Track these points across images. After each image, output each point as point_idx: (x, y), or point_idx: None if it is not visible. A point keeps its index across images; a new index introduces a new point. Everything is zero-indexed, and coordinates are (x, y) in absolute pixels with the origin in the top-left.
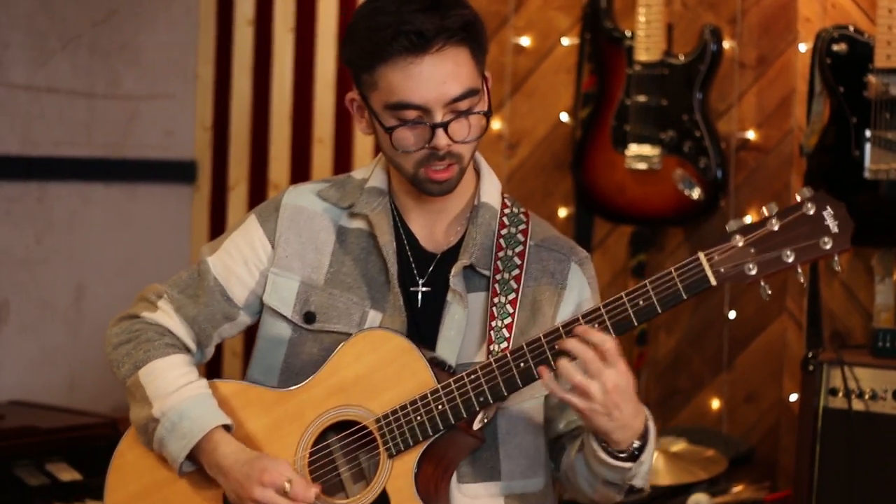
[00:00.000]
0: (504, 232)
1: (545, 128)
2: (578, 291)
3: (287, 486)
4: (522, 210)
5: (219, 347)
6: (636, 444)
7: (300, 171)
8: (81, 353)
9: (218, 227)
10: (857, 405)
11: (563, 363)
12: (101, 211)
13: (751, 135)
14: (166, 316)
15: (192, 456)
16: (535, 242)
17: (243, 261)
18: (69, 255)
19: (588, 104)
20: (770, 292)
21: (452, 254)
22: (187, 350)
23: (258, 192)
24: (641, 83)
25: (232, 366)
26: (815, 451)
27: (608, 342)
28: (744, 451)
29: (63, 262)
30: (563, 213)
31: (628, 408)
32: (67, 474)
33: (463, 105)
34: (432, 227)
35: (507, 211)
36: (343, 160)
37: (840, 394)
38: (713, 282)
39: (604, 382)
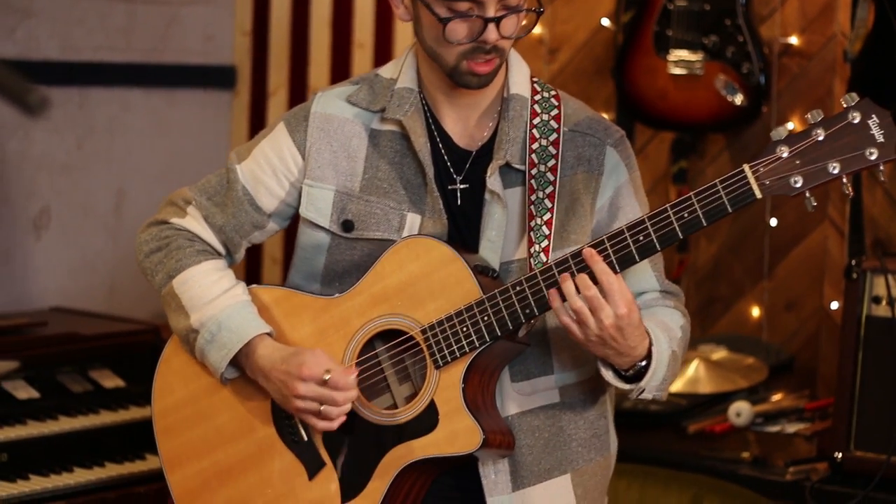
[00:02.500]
0: (536, 121)
1: (586, 33)
2: (616, 176)
3: (326, 375)
4: (553, 93)
5: (258, 254)
6: (642, 363)
7: (340, 76)
8: (121, 259)
9: (257, 132)
10: None
11: (568, 288)
12: (140, 116)
13: (794, 40)
14: (195, 222)
15: (236, 363)
16: (569, 128)
17: (272, 170)
18: (109, 160)
19: (630, 9)
20: (815, 204)
21: (487, 150)
22: (218, 255)
23: (298, 98)
24: None
25: (271, 272)
26: (858, 360)
27: (608, 278)
28: (784, 359)
29: (103, 168)
30: None
31: (627, 339)
32: (110, 381)
33: (513, 1)
34: (465, 123)
35: (537, 97)
36: (383, 64)
37: (883, 302)
38: (758, 195)
39: (601, 319)
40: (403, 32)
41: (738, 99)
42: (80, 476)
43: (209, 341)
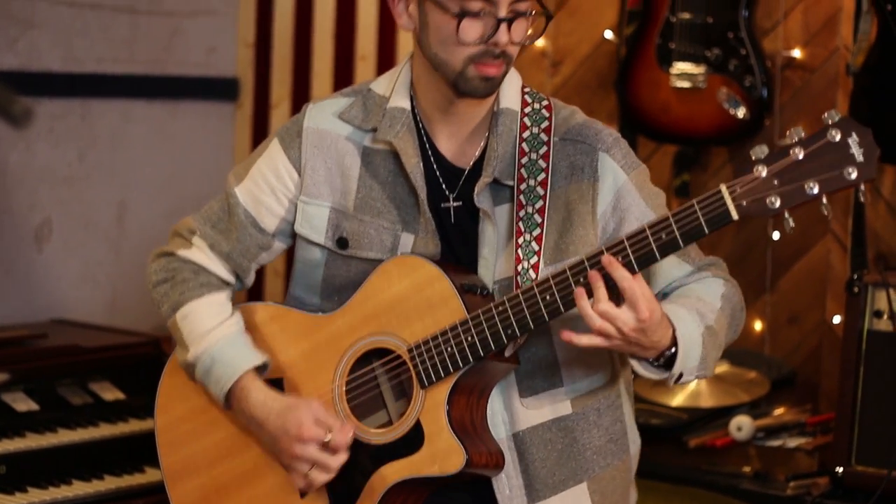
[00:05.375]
0: (526, 134)
1: (589, 46)
2: (613, 179)
3: (327, 437)
4: (545, 104)
5: (260, 268)
6: (670, 350)
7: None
8: (123, 272)
9: (259, 144)
10: None
11: (584, 307)
12: (143, 128)
13: (797, 53)
14: (201, 253)
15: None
16: (560, 137)
17: (270, 189)
18: (111, 172)
19: (633, 21)
20: (793, 225)
21: (479, 167)
22: (225, 284)
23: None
24: (687, 0)
25: (274, 285)
26: (859, 374)
27: (629, 283)
28: (786, 373)
29: (105, 180)
30: None
31: (651, 337)
32: (110, 393)
33: (523, 6)
34: (458, 139)
35: (527, 109)
36: None
37: (885, 316)
38: (735, 216)
39: (619, 327)
40: (406, 45)
41: (741, 112)
42: (78, 489)
43: (205, 375)
